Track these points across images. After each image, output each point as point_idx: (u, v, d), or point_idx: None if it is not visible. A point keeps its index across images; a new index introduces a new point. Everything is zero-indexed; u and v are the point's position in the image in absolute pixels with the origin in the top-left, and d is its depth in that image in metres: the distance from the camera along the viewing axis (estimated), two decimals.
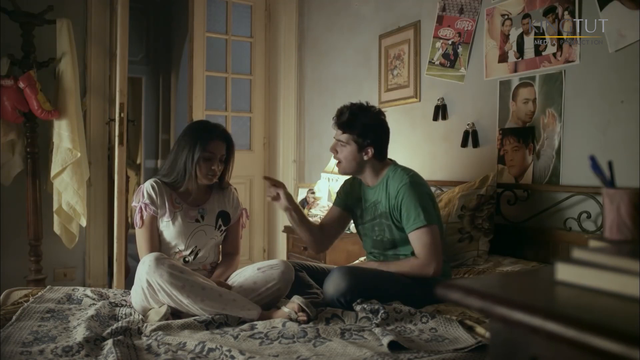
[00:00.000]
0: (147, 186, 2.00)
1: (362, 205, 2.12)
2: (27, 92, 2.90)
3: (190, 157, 1.95)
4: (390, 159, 2.11)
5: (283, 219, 3.90)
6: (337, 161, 2.08)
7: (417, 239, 1.89)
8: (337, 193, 2.26)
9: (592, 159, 0.88)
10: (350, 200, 2.18)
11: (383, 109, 2.14)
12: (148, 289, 1.74)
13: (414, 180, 1.95)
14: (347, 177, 2.22)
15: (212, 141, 1.98)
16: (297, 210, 2.09)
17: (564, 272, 0.70)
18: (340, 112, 2.03)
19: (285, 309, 1.73)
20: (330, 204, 3.15)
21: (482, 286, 0.72)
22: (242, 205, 2.20)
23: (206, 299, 1.73)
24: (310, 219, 3.17)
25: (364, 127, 1.99)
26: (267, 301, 1.87)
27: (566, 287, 0.69)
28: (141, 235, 1.97)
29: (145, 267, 1.74)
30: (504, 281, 0.78)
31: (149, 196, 1.97)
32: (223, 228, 2.08)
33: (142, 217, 1.96)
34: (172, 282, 1.71)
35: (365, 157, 2.01)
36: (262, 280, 1.89)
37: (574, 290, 0.67)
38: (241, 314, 1.75)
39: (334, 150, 2.06)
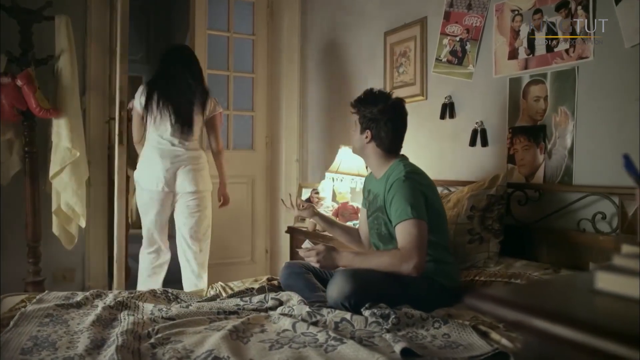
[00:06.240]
0: None
1: (368, 197, 2.12)
2: (25, 90, 2.85)
3: None
4: (402, 155, 2.09)
5: (286, 220, 3.84)
6: None
7: (403, 230, 1.81)
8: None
9: (626, 158, 0.82)
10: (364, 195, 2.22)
11: None
12: None
13: (409, 176, 1.90)
14: None
15: None
16: (322, 216, 2.36)
17: (605, 280, 0.64)
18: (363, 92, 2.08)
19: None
20: (335, 205, 3.12)
21: (516, 296, 0.66)
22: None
23: None
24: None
25: (366, 111, 2.02)
26: None
27: (608, 298, 0.63)
28: None
29: None
30: (539, 291, 0.73)
31: None
32: None
33: None
34: None
35: (366, 141, 2.03)
36: None
37: (617, 301, 0.62)
38: None
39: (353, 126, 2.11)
